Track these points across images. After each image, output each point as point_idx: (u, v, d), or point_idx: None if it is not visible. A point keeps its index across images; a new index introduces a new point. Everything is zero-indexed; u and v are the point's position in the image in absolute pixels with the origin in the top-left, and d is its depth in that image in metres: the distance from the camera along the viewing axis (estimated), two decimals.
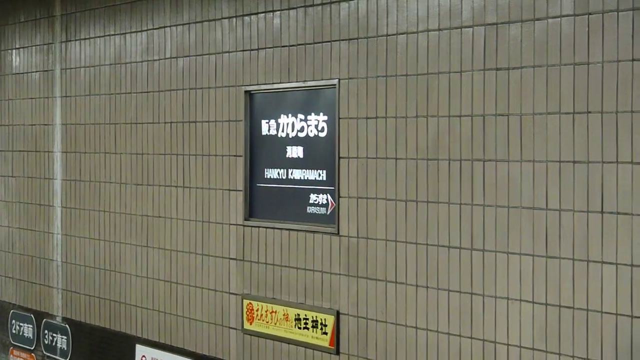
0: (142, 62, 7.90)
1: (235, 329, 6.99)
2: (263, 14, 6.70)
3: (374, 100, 5.97)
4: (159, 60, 7.72)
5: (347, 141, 6.16)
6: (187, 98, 7.48)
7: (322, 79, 6.31)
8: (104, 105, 8.35)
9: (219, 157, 7.20)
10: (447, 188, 5.49)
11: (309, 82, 6.43)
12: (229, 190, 7.11)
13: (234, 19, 6.94)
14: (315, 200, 6.44)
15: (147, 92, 7.84)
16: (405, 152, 5.76)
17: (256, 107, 6.93)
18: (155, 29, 7.70)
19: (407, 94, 5.73)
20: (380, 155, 5.93)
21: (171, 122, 7.64)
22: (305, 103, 6.51)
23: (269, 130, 6.85)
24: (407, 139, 5.74)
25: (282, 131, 6.72)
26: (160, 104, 7.75)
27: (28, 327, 9.05)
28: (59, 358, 8.71)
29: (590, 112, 4.75)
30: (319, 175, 6.43)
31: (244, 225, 6.98)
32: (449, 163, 5.49)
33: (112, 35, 8.17)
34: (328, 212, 6.33)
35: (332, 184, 6.30)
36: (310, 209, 6.49)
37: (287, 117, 6.69)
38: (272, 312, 6.60)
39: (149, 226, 7.83)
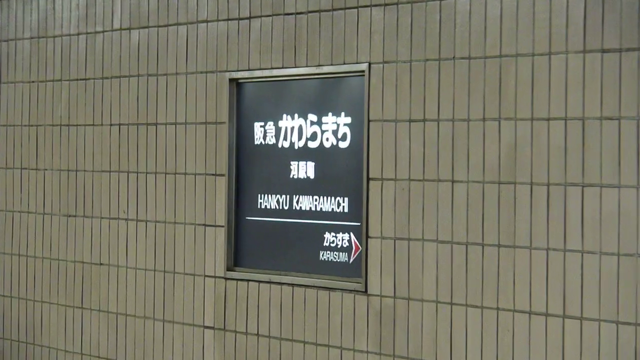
0: (77, 34, 7.96)
1: None
2: None
3: (420, 95, 6.00)
4: (103, 32, 7.78)
5: (380, 155, 6.21)
6: (145, 89, 7.52)
7: (344, 63, 6.37)
8: (20, 97, 8.40)
9: (190, 177, 7.25)
10: (529, 225, 5.50)
11: (324, 68, 6.50)
12: (205, 225, 7.15)
13: None
14: (333, 242, 6.53)
15: (85, 79, 7.91)
16: (466, 171, 5.79)
17: (246, 103, 7.00)
18: None
19: (469, 85, 5.77)
20: (429, 177, 5.97)
21: (120, 125, 7.68)
22: (320, 98, 6.57)
23: (265, 138, 6.93)
24: (469, 152, 5.78)
25: (285, 139, 6.80)
26: (104, 98, 7.80)
27: None
28: None
29: None
30: (339, 205, 6.50)
31: (226, 278, 7.01)
32: (532, 188, 5.50)
33: None
34: (351, 260, 6.41)
35: (357, 217, 6.36)
36: (324, 255, 6.57)
37: (293, 118, 6.76)
38: None
39: (86, 278, 7.87)
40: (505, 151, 5.64)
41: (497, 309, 5.65)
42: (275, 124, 6.90)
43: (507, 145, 5.64)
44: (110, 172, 7.82)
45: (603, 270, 5.29)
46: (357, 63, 6.35)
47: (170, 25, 7.36)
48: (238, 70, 7.00)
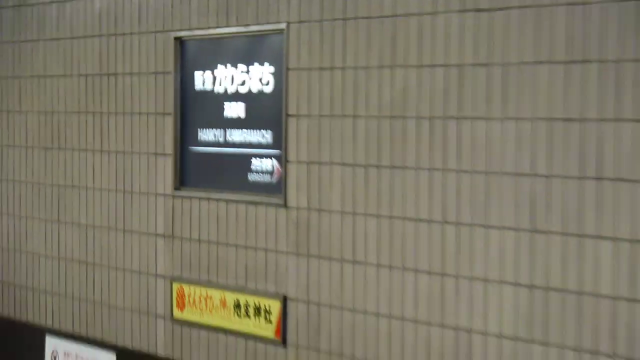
0: (50, 3, 7.71)
1: (163, 317, 6.86)
2: None
3: (330, 48, 5.81)
4: (71, 0, 7.53)
5: (296, 96, 6.01)
6: (106, 46, 7.29)
7: (267, 23, 6.17)
8: (5, 55, 8.15)
9: (144, 116, 7.04)
10: (415, 151, 5.34)
11: (251, 27, 6.28)
12: (156, 154, 6.95)
13: None
14: (259, 166, 6.34)
15: (57, 39, 7.66)
16: (365, 108, 5.61)
17: (188, 56, 6.76)
18: None
19: (369, 40, 5.58)
20: (335, 113, 5.80)
21: (86, 75, 7.46)
22: (248, 52, 6.36)
23: (203, 84, 6.68)
24: (367, 93, 5.60)
25: (220, 85, 6.56)
26: (73, 54, 7.55)
27: None
28: None
29: (586, 62, 4.60)
30: (263, 136, 6.30)
31: (173, 196, 6.82)
32: (417, 121, 5.34)
33: None
34: (274, 180, 6.25)
35: (278, 146, 6.18)
36: (252, 177, 6.38)
37: (226, 68, 6.53)
38: (207, 297, 6.48)
39: (61, 197, 7.67)
40: (396, 92, 5.46)
41: (390, 217, 5.49)
42: (212, 73, 6.65)
43: (398, 87, 5.46)
44: (79, 112, 7.56)
45: (474, 184, 5.11)
46: (277, 23, 6.12)
47: None
48: (182, 30, 6.74)
